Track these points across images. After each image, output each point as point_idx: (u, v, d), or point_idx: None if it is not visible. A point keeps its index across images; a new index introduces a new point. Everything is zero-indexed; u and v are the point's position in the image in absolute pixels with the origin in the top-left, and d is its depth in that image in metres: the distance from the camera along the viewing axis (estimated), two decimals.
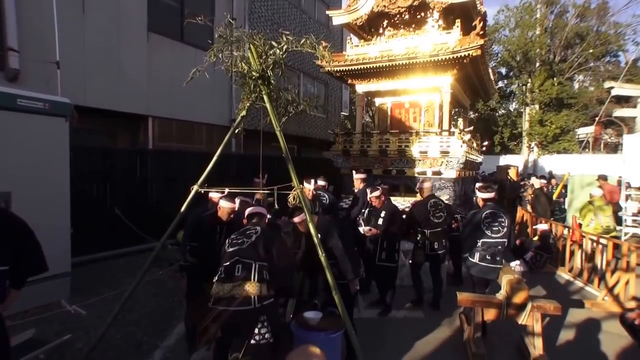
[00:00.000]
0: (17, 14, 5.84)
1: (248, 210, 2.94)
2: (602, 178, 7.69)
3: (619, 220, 7.01)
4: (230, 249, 2.50)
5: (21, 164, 3.92)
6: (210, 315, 2.39)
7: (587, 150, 18.73)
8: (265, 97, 3.10)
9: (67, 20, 6.34)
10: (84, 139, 6.42)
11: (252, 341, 2.30)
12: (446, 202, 7.11)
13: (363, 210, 5.03)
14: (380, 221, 4.26)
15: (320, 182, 5.18)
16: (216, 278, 2.45)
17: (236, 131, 3.38)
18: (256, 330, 2.31)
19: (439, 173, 7.08)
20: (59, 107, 4.29)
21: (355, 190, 5.65)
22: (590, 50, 20.30)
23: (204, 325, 3.04)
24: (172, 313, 4.14)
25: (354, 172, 6.21)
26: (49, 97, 4.23)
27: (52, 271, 2.63)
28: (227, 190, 3.61)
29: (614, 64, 22.35)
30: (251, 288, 2.32)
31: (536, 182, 9.21)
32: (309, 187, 4.44)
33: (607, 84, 13.88)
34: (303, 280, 3.50)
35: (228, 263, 2.43)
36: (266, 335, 2.32)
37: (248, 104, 3.25)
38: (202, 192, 3.32)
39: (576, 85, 22.60)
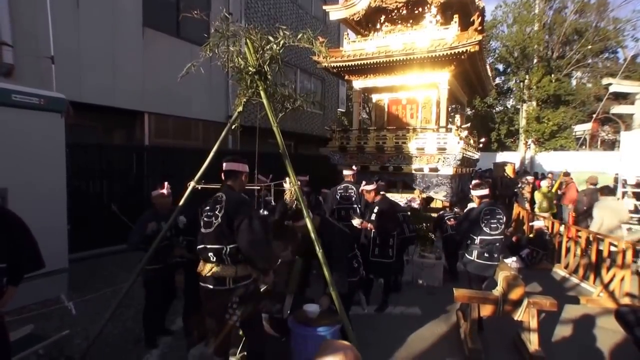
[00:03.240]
0: (10, 8, 5.76)
1: (225, 166, 2.59)
2: (566, 174, 9.28)
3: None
4: (203, 230, 2.45)
5: (16, 160, 3.89)
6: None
7: (584, 147, 18.80)
8: (262, 93, 3.07)
9: (62, 14, 6.26)
10: (80, 135, 6.37)
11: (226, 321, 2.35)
12: (444, 200, 7.17)
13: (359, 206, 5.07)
14: (372, 216, 4.28)
15: (286, 185, 5.02)
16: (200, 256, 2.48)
17: (233, 127, 3.35)
18: (230, 311, 2.35)
19: (435, 170, 7.09)
20: (54, 102, 4.25)
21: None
22: (589, 47, 20.23)
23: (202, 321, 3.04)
24: (169, 309, 4.13)
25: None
26: (43, 93, 4.19)
27: (49, 267, 2.62)
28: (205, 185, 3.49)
29: (612, 61, 22.31)
30: (226, 270, 2.36)
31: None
32: (287, 186, 4.35)
33: (605, 81, 13.85)
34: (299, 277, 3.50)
35: (202, 247, 2.42)
36: (234, 318, 2.35)
37: (244, 100, 3.22)
38: (200, 188, 3.30)
39: (574, 82, 22.57)
